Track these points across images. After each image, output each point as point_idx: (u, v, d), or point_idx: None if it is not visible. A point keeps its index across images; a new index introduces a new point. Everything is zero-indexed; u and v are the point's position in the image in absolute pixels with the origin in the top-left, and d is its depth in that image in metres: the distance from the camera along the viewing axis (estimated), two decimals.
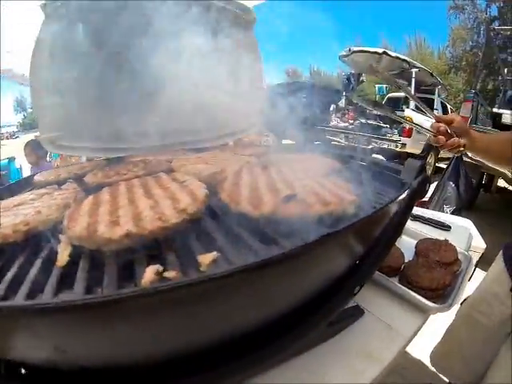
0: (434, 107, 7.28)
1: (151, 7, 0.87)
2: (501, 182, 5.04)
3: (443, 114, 7.57)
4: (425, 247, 1.07)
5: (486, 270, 1.17)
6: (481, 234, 2.29)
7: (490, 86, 17.07)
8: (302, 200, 0.56)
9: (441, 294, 0.88)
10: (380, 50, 6.48)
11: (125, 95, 0.97)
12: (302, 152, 1.13)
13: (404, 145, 6.15)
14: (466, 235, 1.39)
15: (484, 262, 2.38)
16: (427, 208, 3.78)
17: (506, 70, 6.38)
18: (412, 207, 0.70)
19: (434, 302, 0.85)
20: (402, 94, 7.61)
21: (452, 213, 3.76)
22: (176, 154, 1.17)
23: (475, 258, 2.17)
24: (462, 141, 1.01)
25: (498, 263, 1.07)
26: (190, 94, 0.97)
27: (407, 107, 6.34)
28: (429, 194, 3.96)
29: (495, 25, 16.38)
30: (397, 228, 0.68)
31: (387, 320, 0.83)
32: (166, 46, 0.87)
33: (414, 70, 6.69)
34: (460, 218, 2.72)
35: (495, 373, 0.96)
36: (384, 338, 0.78)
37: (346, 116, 7.08)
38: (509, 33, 5.24)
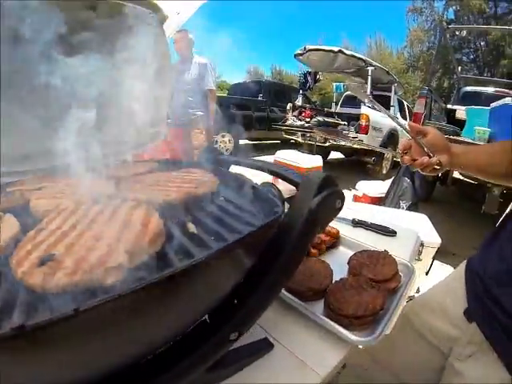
0: (391, 104, 7.41)
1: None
2: (456, 174, 5.17)
3: (400, 110, 7.73)
4: (358, 263, 0.94)
5: (443, 262, 1.08)
6: (439, 225, 2.32)
7: (445, 84, 17.98)
8: (58, 263, 0.39)
9: (370, 321, 0.75)
10: (335, 49, 6.47)
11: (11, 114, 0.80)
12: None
13: (361, 141, 6.20)
14: (413, 240, 1.30)
15: (441, 254, 2.39)
16: (383, 205, 3.77)
17: (459, 69, 6.64)
18: (312, 234, 0.56)
19: (361, 331, 0.73)
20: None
21: (408, 208, 3.77)
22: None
23: (431, 253, 2.15)
24: (435, 159, 0.88)
25: (458, 278, 0.91)
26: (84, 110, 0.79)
27: (364, 104, 6.38)
28: (385, 190, 3.96)
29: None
30: (287, 266, 0.55)
31: (301, 355, 0.70)
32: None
33: (370, 69, 6.74)
34: (416, 213, 2.71)
35: None
36: (295, 377, 0.65)
37: (303, 114, 7.04)
38: (463, 33, 5.43)
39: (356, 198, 3.94)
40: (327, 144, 6.21)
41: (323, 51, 6.60)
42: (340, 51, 6.49)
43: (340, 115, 7.14)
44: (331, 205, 0.55)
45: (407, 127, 0.91)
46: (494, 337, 0.74)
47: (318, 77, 7.83)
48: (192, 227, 0.54)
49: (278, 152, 4.25)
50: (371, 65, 6.94)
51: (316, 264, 0.94)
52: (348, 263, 0.97)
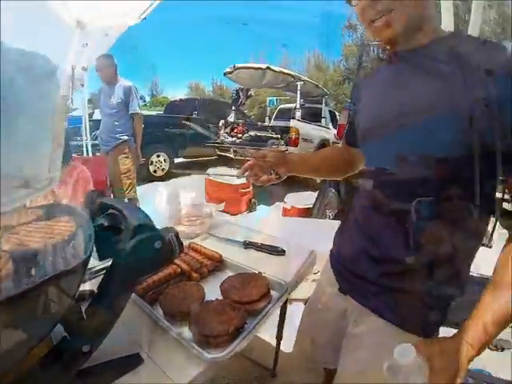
0: (322, 115, 7.78)
1: None
2: None
3: (332, 121, 8.13)
4: (229, 286, 1.03)
5: None
6: None
7: None
8: None
9: (226, 340, 0.83)
10: (263, 66, 6.71)
11: None
12: None
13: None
14: (303, 257, 1.37)
15: None
16: (310, 216, 3.95)
17: None
18: (135, 272, 0.64)
19: (217, 349, 0.81)
20: (292, 105, 7.99)
21: (334, 216, 3.94)
22: None
23: None
24: (272, 176, 1.12)
25: (327, 269, 1.11)
26: None
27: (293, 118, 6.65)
28: (313, 201, 4.12)
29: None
30: (116, 299, 0.63)
31: (168, 370, 0.77)
32: None
33: (298, 83, 7.05)
34: (337, 221, 2.87)
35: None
36: None
37: (235, 130, 7.18)
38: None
39: (285, 211, 4.08)
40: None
41: (252, 69, 6.82)
42: (268, 68, 6.73)
43: (274, 129, 7.36)
44: (149, 246, 0.62)
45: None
46: (368, 303, 0.90)
47: (249, 93, 8.05)
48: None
49: (210, 169, 4.32)
50: (300, 79, 7.26)
51: (191, 288, 1.03)
52: (220, 287, 1.05)
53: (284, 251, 1.39)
